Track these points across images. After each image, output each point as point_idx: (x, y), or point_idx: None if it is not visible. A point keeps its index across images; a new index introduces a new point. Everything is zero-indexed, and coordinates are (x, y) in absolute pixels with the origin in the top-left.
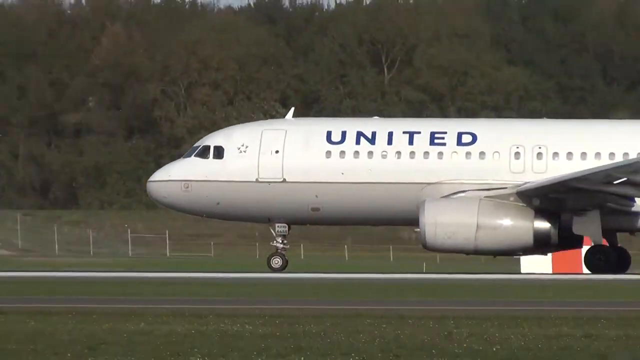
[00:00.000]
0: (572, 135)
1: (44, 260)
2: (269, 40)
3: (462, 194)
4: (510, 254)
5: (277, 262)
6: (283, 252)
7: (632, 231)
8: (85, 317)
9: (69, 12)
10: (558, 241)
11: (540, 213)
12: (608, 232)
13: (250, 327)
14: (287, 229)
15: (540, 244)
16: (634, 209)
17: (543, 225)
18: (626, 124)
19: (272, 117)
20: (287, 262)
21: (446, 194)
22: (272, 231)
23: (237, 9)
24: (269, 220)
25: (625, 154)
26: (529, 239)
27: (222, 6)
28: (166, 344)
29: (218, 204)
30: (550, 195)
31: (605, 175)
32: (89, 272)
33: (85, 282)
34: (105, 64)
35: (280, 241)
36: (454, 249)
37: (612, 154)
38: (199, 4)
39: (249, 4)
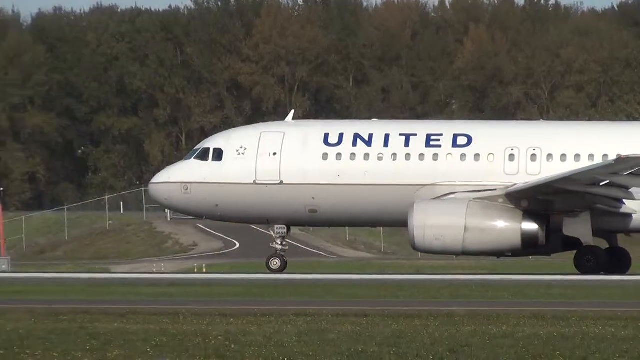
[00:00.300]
0: (566, 137)
1: (406, 262)
2: (633, 43)
3: (452, 196)
4: (499, 255)
5: (275, 263)
6: (282, 254)
7: (624, 232)
8: (448, 319)
9: (432, 14)
10: (546, 242)
11: (528, 214)
12: (606, 233)
13: (612, 330)
14: (285, 230)
15: (528, 245)
16: (624, 210)
17: (531, 226)
18: (625, 126)
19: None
20: (286, 263)
21: (438, 195)
22: (272, 233)
23: (600, 11)
24: (267, 222)
25: (605, 155)
26: (516, 241)
27: (585, 9)
28: (528, 346)
29: (217, 205)
30: (538, 197)
31: (589, 177)
32: (452, 275)
33: (446, 285)
34: (468, 67)
35: (280, 242)
36: (442, 250)
37: (605, 156)
38: (562, 6)
39: (612, 6)
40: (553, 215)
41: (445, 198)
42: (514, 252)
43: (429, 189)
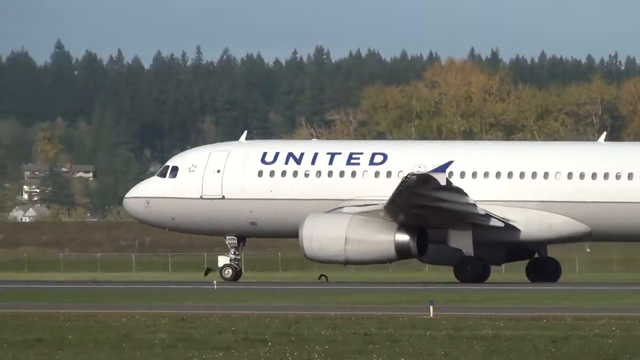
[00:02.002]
0: (472, 155)
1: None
2: None
3: (339, 210)
4: (378, 263)
5: (228, 272)
6: (235, 264)
7: (513, 244)
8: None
9: None
10: (421, 252)
11: (403, 227)
12: (498, 245)
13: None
14: (236, 241)
15: (403, 255)
16: (513, 224)
17: (403, 238)
18: (533, 145)
19: None
20: (240, 272)
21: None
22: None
23: None
24: (217, 233)
25: (522, 173)
26: (391, 251)
27: None
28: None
29: (173, 219)
30: (412, 211)
31: (407, 195)
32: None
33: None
34: None
35: (232, 253)
36: (328, 259)
37: (510, 173)
38: None
39: None
40: (428, 228)
41: (332, 212)
42: (391, 261)
43: (348, 204)
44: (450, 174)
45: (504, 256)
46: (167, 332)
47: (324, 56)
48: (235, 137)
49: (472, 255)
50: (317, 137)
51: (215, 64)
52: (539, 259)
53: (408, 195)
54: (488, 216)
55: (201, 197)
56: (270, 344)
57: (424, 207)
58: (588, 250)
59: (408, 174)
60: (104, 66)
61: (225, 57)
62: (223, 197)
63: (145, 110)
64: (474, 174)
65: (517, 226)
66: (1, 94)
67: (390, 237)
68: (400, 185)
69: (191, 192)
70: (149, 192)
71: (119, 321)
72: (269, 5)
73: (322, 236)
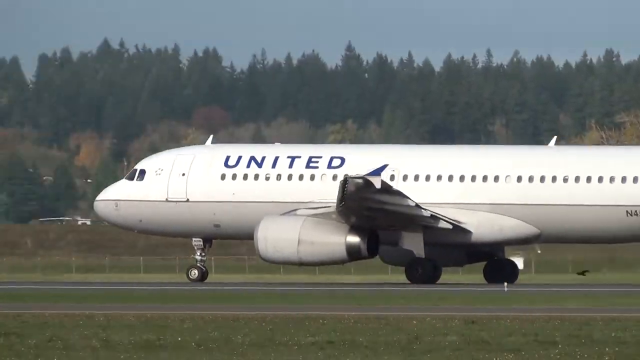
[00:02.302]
0: (423, 159)
1: None
2: None
3: (294, 212)
4: (331, 264)
5: (194, 273)
6: (201, 265)
7: (464, 245)
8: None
9: None
10: (368, 253)
11: (354, 229)
12: (452, 247)
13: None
14: (201, 243)
15: (354, 257)
16: (464, 226)
17: (354, 240)
18: (485, 149)
19: None
20: (206, 273)
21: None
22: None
23: None
24: (183, 235)
25: (473, 177)
26: (342, 252)
27: None
28: None
29: (140, 221)
30: (364, 213)
31: (352, 198)
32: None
33: None
34: None
35: (199, 254)
36: (282, 261)
37: (462, 177)
38: None
39: None
40: (379, 230)
41: (286, 214)
42: (343, 262)
43: (306, 207)
44: (405, 177)
45: (465, 258)
46: (457, 334)
47: (614, 58)
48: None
49: (423, 256)
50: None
51: (505, 67)
52: (496, 261)
53: (353, 199)
54: (435, 218)
55: (167, 200)
56: (560, 346)
57: (373, 210)
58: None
59: (345, 177)
60: (394, 68)
61: (515, 59)
62: (187, 200)
63: (435, 112)
64: (427, 177)
65: (468, 228)
66: (292, 96)
67: (342, 239)
68: (341, 188)
69: (157, 195)
70: (117, 195)
71: (410, 324)
72: (558, 6)
73: (275, 238)
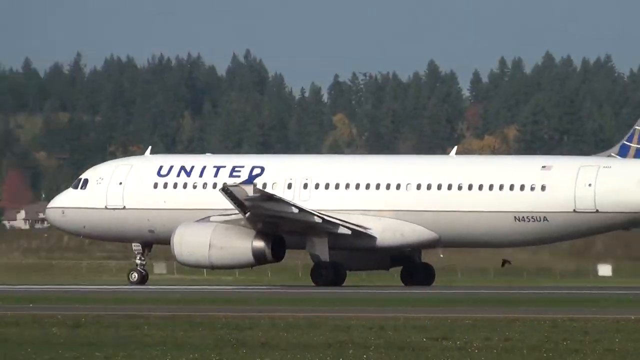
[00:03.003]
0: (334, 169)
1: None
2: None
3: (208, 219)
4: (240, 268)
5: (134, 276)
6: (140, 269)
7: (369, 249)
8: None
9: None
10: (273, 256)
11: (260, 234)
12: (391, 250)
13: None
14: (141, 247)
15: (260, 260)
16: (369, 232)
17: (259, 244)
18: (389, 159)
19: None
20: (145, 276)
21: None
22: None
23: None
24: (123, 240)
25: (378, 185)
26: (249, 256)
27: None
28: None
29: (84, 227)
30: (268, 220)
31: (240, 205)
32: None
33: None
34: None
35: (138, 258)
36: (196, 264)
37: (367, 185)
38: None
39: None
40: (284, 234)
41: (200, 220)
42: (251, 265)
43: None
44: (317, 185)
45: (389, 262)
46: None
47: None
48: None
49: (328, 260)
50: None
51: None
52: (412, 265)
53: (243, 206)
54: (333, 224)
55: (106, 207)
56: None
57: (273, 216)
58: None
59: (223, 185)
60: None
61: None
62: (124, 207)
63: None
64: (337, 186)
65: (373, 234)
66: None
67: (248, 244)
68: (228, 197)
69: (98, 202)
70: (64, 203)
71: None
72: None
73: (189, 243)
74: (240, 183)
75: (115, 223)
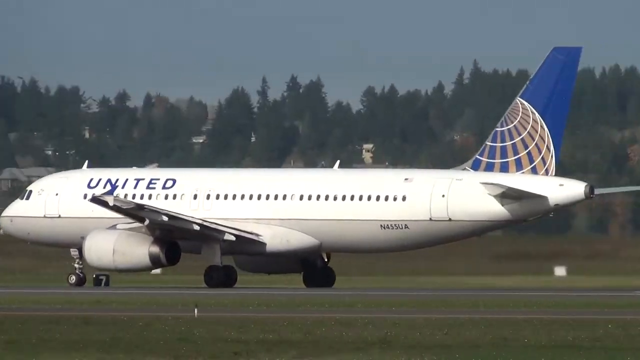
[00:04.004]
0: (232, 181)
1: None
2: None
3: (115, 226)
4: (141, 271)
5: (72, 279)
6: (78, 272)
7: (258, 254)
8: None
9: None
10: (167, 260)
11: (156, 241)
12: (280, 256)
13: None
14: (77, 253)
15: (156, 264)
16: (259, 239)
17: (155, 250)
18: (278, 172)
19: None
20: (84, 279)
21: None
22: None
23: None
24: (62, 246)
25: (267, 195)
26: (146, 260)
27: None
28: None
29: (28, 233)
30: (164, 228)
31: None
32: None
33: None
34: None
35: (76, 262)
36: (105, 267)
37: (259, 196)
38: None
39: None
40: (178, 240)
41: (109, 228)
42: (150, 268)
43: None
44: (217, 196)
45: (300, 266)
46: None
47: None
48: None
49: (220, 264)
50: None
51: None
52: (315, 268)
53: (136, 216)
54: (218, 231)
55: (44, 216)
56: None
57: (165, 224)
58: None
59: (92, 196)
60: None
61: None
62: (59, 216)
63: None
64: (234, 197)
65: (263, 240)
66: None
67: (145, 250)
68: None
69: (38, 211)
70: (12, 212)
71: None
72: None
73: (97, 248)
74: (103, 194)
75: (53, 230)
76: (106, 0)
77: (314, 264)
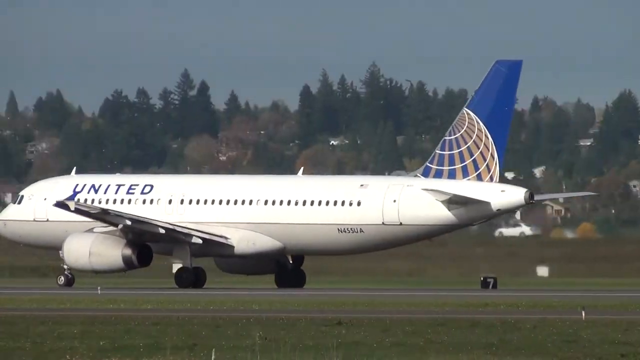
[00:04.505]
0: (204, 187)
1: None
2: None
3: (92, 229)
4: (115, 272)
5: (61, 279)
6: (67, 273)
7: (227, 256)
8: None
9: None
10: (139, 262)
11: (129, 243)
12: (246, 258)
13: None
14: None
15: (129, 266)
16: (227, 242)
17: (127, 252)
18: (246, 178)
19: None
20: (72, 279)
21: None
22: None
23: None
24: (51, 248)
25: (235, 201)
26: (120, 262)
27: None
28: None
29: (20, 236)
30: (135, 231)
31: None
32: None
33: None
34: None
35: (65, 264)
36: (81, 269)
37: (228, 201)
38: None
39: None
40: (150, 243)
41: (87, 231)
42: (123, 269)
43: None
44: (190, 201)
45: (275, 267)
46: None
47: None
48: None
49: (189, 266)
50: None
51: None
52: (286, 269)
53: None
54: (185, 234)
55: (34, 220)
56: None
57: (134, 227)
58: (290, 263)
59: (56, 201)
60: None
61: None
62: (47, 220)
63: None
64: (205, 201)
65: (231, 243)
66: None
67: (118, 252)
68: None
69: (28, 215)
70: (5, 216)
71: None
72: None
73: (74, 250)
74: (65, 199)
75: (42, 233)
76: None
77: (285, 266)
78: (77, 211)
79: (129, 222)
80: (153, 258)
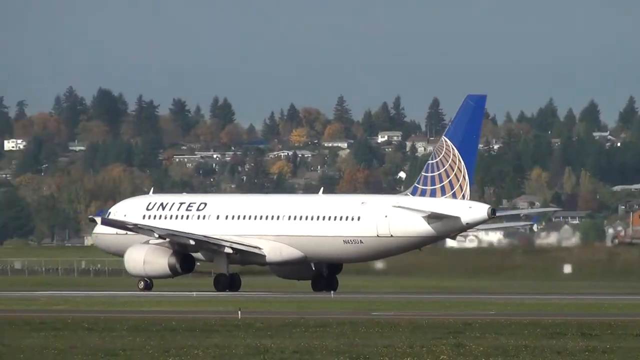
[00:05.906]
0: (244, 204)
1: None
2: None
3: (148, 241)
4: (164, 278)
5: (141, 284)
6: (146, 278)
7: (260, 264)
8: None
9: None
10: (182, 270)
11: (174, 253)
12: (248, 265)
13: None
14: None
15: (175, 273)
16: (259, 252)
17: (172, 260)
18: (272, 197)
19: None
20: (150, 284)
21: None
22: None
23: None
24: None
25: (265, 216)
26: (166, 269)
27: None
28: None
29: (108, 247)
30: (179, 243)
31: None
32: None
33: None
34: None
35: None
36: (137, 275)
37: (257, 216)
38: None
39: None
40: (192, 253)
41: (144, 243)
42: (170, 276)
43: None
44: (232, 217)
45: (312, 273)
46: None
47: None
48: None
49: (226, 272)
50: None
51: None
52: (322, 275)
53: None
54: (218, 245)
55: (116, 233)
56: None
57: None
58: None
59: (88, 217)
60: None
61: None
62: (126, 233)
63: None
64: (244, 217)
65: (264, 253)
66: None
67: (165, 260)
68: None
69: (112, 229)
70: (97, 230)
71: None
72: None
73: (133, 259)
74: (93, 215)
75: (125, 245)
76: None
77: (321, 273)
78: (114, 225)
79: (156, 235)
80: (195, 266)
